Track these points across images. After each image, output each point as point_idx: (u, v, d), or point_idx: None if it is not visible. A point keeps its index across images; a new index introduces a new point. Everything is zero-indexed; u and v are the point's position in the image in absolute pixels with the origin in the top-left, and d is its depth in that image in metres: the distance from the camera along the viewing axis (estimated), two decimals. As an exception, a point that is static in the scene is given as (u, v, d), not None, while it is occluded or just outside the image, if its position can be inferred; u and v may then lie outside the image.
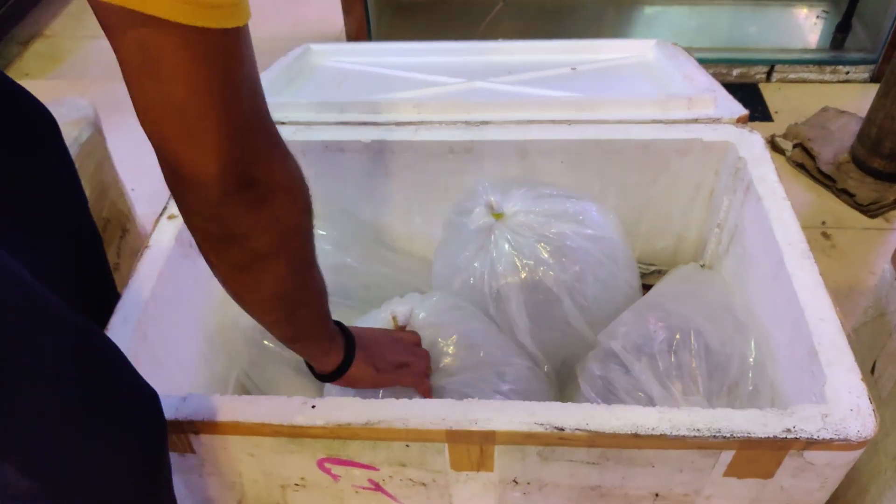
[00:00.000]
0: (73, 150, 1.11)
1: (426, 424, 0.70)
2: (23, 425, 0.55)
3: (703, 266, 1.12)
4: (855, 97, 1.78)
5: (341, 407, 0.71)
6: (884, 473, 0.86)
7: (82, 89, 1.90)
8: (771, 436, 0.67)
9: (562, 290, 0.96)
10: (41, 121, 0.82)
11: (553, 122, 1.05)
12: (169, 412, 0.72)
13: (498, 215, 0.99)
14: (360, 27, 1.88)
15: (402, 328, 0.92)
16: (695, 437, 0.67)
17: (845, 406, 0.69)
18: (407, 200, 1.14)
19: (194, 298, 0.96)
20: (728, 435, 0.67)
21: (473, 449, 0.72)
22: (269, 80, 1.17)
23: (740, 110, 1.05)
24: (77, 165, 1.09)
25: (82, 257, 0.88)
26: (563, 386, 1.02)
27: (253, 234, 0.54)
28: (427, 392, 0.85)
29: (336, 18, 1.91)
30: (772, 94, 1.84)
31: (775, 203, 0.91)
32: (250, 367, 1.04)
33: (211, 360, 1.00)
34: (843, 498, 0.91)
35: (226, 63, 0.45)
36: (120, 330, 0.80)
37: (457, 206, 1.05)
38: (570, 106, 1.07)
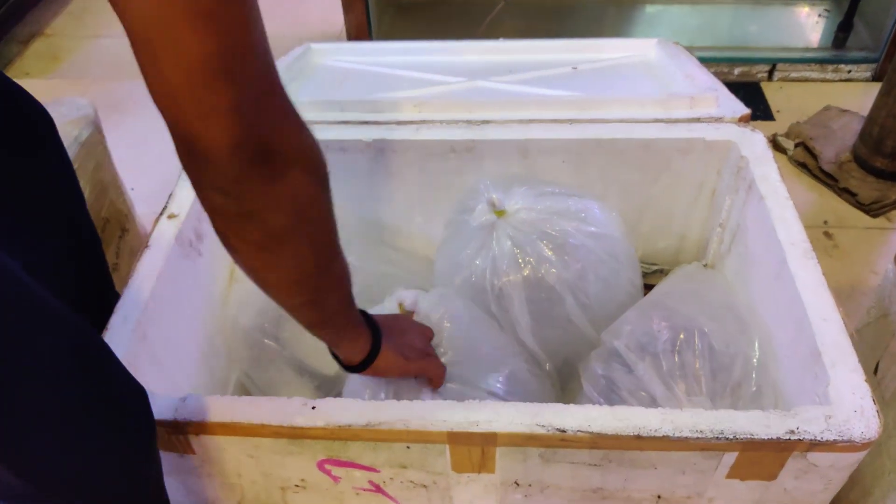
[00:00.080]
0: (72, 150, 1.11)
1: (427, 426, 0.70)
2: (22, 426, 0.55)
3: (705, 266, 1.12)
4: (857, 96, 1.78)
5: (342, 408, 0.71)
6: (887, 475, 0.86)
7: (83, 89, 1.89)
8: (774, 437, 0.67)
9: (564, 288, 0.96)
10: (41, 121, 0.81)
11: (554, 121, 1.04)
12: (169, 413, 0.71)
13: (500, 212, 0.98)
14: (360, 26, 1.88)
15: (410, 314, 0.91)
16: (697, 438, 0.67)
17: (849, 407, 0.68)
18: (408, 199, 1.13)
19: (194, 298, 0.96)
20: (731, 436, 0.67)
21: (475, 450, 0.72)
22: (270, 79, 1.16)
23: (742, 109, 1.04)
24: (77, 165, 1.10)
25: (81, 257, 0.88)
26: (564, 385, 1.02)
27: (271, 209, 0.52)
28: (440, 383, 0.84)
29: (337, 18, 1.90)
30: (773, 93, 1.83)
31: (777, 202, 0.91)
32: (251, 367, 1.03)
33: (211, 360, 0.99)
34: (845, 499, 0.91)
35: (234, 30, 0.45)
36: (120, 330, 0.80)
37: (458, 205, 1.04)
38: (572, 105, 1.06)
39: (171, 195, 0.97)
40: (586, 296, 0.97)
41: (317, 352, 1.04)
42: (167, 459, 0.76)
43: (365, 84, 1.21)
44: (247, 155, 0.48)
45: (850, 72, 1.85)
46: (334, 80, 1.24)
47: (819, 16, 2.01)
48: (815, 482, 0.72)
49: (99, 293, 0.91)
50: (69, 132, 1.12)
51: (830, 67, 1.85)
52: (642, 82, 1.17)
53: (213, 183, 0.50)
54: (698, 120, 1.03)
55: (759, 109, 1.77)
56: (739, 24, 2.00)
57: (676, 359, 0.85)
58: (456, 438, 0.70)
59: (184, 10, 0.42)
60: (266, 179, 0.50)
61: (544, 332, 0.98)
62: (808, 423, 0.67)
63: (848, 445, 0.67)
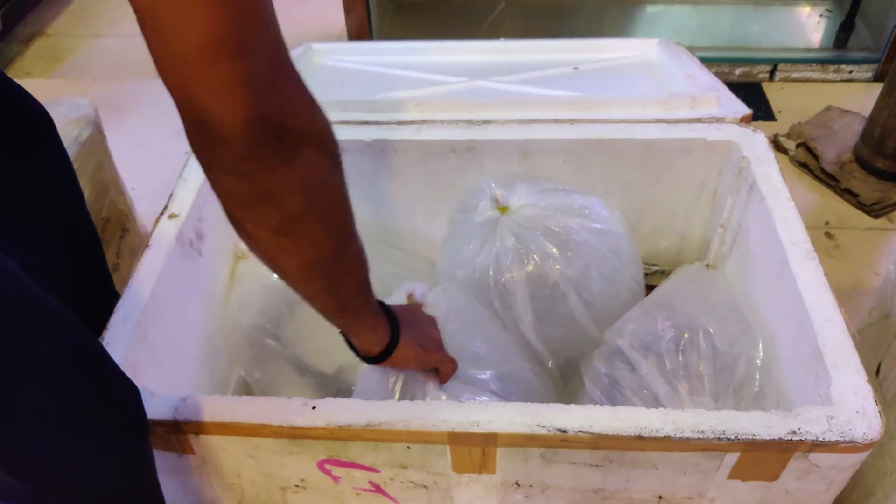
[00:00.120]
0: (73, 150, 1.11)
1: (427, 426, 0.69)
2: (22, 426, 0.55)
3: (706, 266, 1.12)
4: (858, 96, 1.78)
5: (342, 408, 0.71)
6: (889, 476, 0.86)
7: (83, 88, 1.89)
8: (776, 438, 0.66)
9: (567, 285, 0.96)
10: (40, 121, 0.81)
11: (555, 121, 1.04)
12: (168, 412, 0.71)
13: (503, 209, 0.98)
14: (361, 26, 1.88)
15: (419, 307, 0.91)
16: (699, 439, 0.67)
17: (851, 408, 0.68)
18: (409, 199, 1.13)
19: (194, 298, 0.96)
20: (732, 437, 0.66)
21: (475, 451, 0.71)
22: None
23: (744, 110, 1.04)
24: (77, 165, 1.09)
25: (81, 257, 0.88)
26: (566, 384, 1.01)
27: (285, 190, 0.51)
28: (448, 378, 0.83)
29: (337, 17, 1.90)
30: (775, 94, 1.83)
31: (779, 203, 0.90)
32: (251, 367, 1.03)
33: (212, 360, 0.99)
34: (847, 500, 0.91)
35: (244, 2, 0.44)
36: (120, 330, 0.80)
37: (461, 204, 1.04)
38: (573, 105, 1.06)
39: (171, 195, 0.97)
40: (590, 293, 0.97)
41: (317, 351, 1.04)
42: (167, 459, 0.76)
43: (366, 84, 1.21)
44: (259, 131, 0.47)
45: (851, 72, 1.84)
46: (335, 79, 1.24)
47: (820, 16, 2.01)
48: (816, 483, 0.72)
49: (99, 293, 0.91)
50: (69, 132, 1.12)
51: (832, 68, 1.84)
52: (643, 82, 1.17)
53: (226, 164, 0.49)
54: (699, 120, 1.03)
55: (760, 110, 1.77)
56: (741, 25, 2.00)
57: (680, 358, 0.85)
58: (456, 439, 0.70)
59: None
60: (280, 159, 0.49)
61: (547, 329, 0.98)
62: (810, 423, 0.67)
63: (850, 446, 0.66)
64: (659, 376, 0.84)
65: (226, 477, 0.80)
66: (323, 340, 1.04)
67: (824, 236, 1.45)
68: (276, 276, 0.59)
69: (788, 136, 1.65)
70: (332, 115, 1.13)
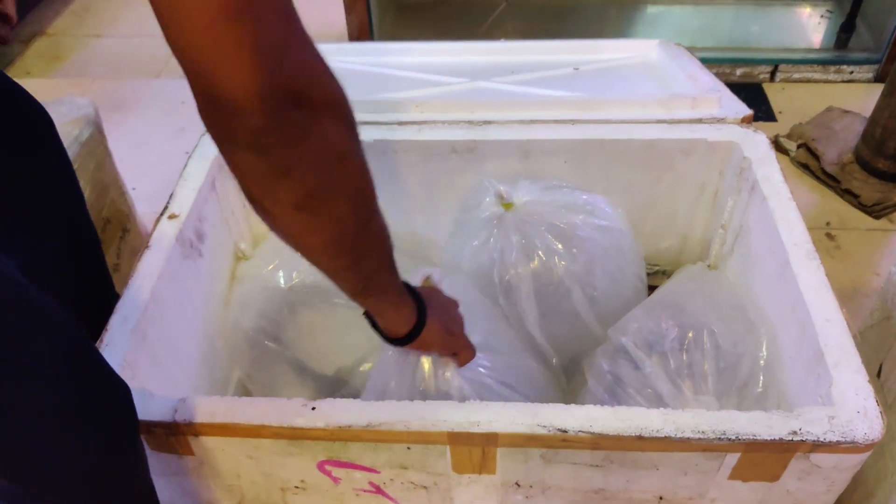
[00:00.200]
0: (73, 149, 1.11)
1: (427, 426, 0.69)
2: (21, 426, 0.55)
3: (708, 266, 1.12)
4: (859, 97, 1.78)
5: (342, 409, 0.71)
6: (891, 476, 0.85)
7: (84, 88, 1.89)
8: (777, 438, 0.66)
9: (572, 281, 0.96)
10: (40, 120, 0.81)
11: (556, 121, 1.04)
12: (168, 414, 0.71)
13: (507, 205, 0.98)
14: (362, 27, 1.88)
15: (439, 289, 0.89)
16: (699, 439, 0.67)
17: (852, 408, 0.68)
18: (410, 200, 1.13)
19: (194, 298, 0.96)
20: (733, 437, 0.66)
21: (475, 451, 0.71)
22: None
23: (745, 110, 1.04)
24: (77, 164, 1.09)
25: (81, 257, 0.88)
26: (569, 381, 1.01)
27: (305, 162, 0.49)
28: (465, 363, 0.82)
29: (338, 18, 1.90)
30: (775, 94, 1.83)
31: (780, 203, 0.90)
32: (251, 368, 1.03)
33: (212, 360, 0.99)
34: (848, 501, 0.91)
35: None
36: (120, 330, 0.79)
37: (464, 203, 1.04)
38: (573, 106, 1.06)
39: (171, 195, 0.96)
40: (594, 289, 0.97)
41: (317, 353, 1.04)
42: (166, 461, 0.76)
43: (366, 84, 1.21)
44: (275, 100, 0.45)
45: (852, 73, 1.84)
46: (335, 80, 1.23)
47: (821, 17, 2.01)
48: (817, 483, 0.71)
49: (99, 293, 0.91)
50: (69, 132, 1.12)
51: (833, 68, 1.84)
52: (644, 83, 1.17)
53: (242, 139, 0.46)
54: (700, 121, 1.03)
55: (761, 110, 1.77)
56: (741, 25, 2.00)
57: (684, 357, 0.85)
58: (456, 439, 0.70)
59: None
60: (297, 129, 0.47)
61: (551, 326, 0.98)
62: (811, 423, 0.67)
63: (851, 447, 0.66)
64: (663, 375, 0.84)
65: (225, 478, 0.80)
66: (323, 342, 1.04)
67: (825, 237, 1.45)
68: (298, 253, 0.57)
69: (789, 136, 1.64)
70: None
